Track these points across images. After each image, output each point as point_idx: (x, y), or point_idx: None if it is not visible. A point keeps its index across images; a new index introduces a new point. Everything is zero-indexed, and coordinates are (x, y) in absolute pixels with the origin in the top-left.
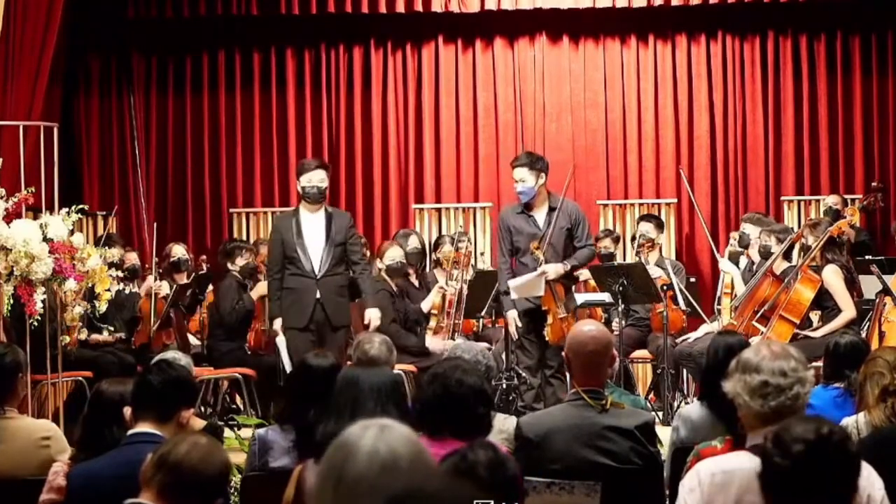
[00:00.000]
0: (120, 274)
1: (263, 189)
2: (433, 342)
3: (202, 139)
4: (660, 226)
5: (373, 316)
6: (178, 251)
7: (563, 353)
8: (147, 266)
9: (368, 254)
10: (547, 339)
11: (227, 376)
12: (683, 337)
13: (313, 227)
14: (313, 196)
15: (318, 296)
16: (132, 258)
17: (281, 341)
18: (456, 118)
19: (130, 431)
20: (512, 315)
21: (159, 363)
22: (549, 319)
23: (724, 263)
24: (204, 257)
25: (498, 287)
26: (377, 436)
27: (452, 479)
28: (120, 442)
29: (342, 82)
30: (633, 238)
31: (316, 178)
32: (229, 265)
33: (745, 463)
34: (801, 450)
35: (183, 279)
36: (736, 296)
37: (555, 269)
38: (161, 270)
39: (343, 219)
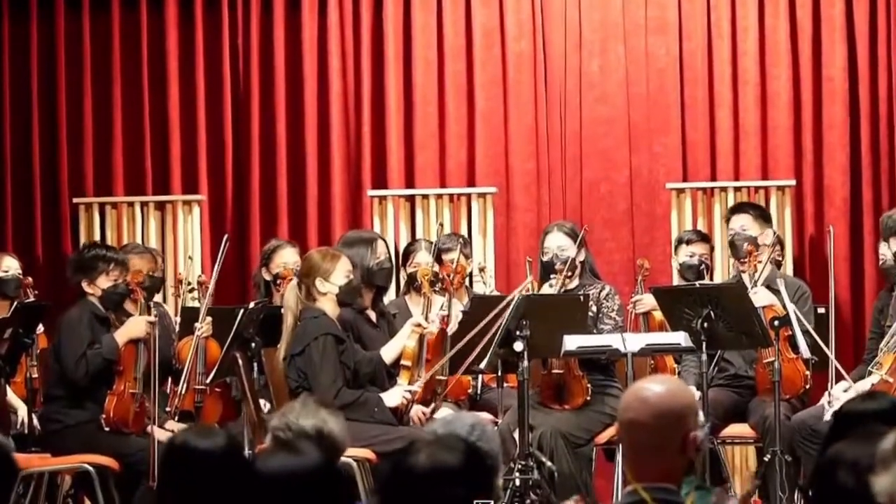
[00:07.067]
0: None
1: (128, 167)
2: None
3: (29, 88)
4: (763, 217)
5: None
6: (9, 265)
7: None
8: None
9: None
10: None
11: (70, 468)
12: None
13: None
14: None
15: None
16: None
17: None
18: (438, 51)
19: None
20: None
21: None
22: None
23: None
24: (30, 280)
25: (507, 320)
26: None
27: None
28: None
29: None
30: (732, 244)
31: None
32: (87, 287)
33: None
34: None
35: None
36: None
37: None
38: None
39: None
